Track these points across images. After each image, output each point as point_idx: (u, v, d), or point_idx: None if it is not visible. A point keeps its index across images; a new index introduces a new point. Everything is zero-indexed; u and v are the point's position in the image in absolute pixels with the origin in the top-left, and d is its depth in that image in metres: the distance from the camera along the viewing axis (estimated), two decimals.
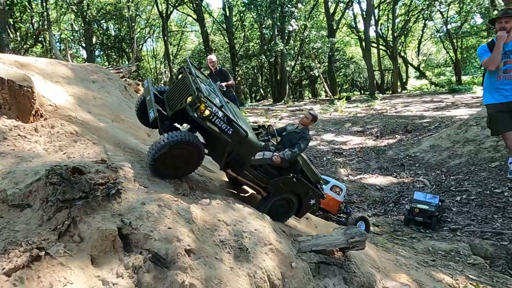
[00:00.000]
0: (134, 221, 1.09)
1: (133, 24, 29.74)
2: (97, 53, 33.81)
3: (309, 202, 2.70)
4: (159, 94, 2.26)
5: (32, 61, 2.22)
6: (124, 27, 32.99)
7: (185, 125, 2.22)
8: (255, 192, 2.57)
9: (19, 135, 1.37)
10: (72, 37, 32.49)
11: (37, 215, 1.03)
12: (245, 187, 2.67)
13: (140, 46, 37.84)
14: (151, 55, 41.71)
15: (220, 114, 2.06)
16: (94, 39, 30.66)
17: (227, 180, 2.80)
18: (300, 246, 1.50)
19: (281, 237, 1.48)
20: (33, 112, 1.53)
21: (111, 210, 1.10)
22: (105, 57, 35.10)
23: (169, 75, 34.57)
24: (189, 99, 1.97)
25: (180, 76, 2.31)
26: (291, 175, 2.57)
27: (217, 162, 2.18)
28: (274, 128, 2.88)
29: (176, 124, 2.16)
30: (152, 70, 41.30)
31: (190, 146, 1.84)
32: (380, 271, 1.86)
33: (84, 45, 32.10)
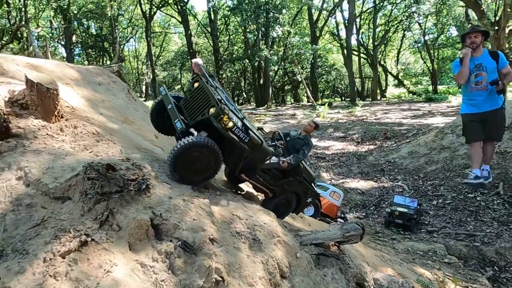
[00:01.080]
0: (164, 213, 1.22)
1: (116, 24, 29.32)
2: (76, 51, 33.05)
3: (306, 200, 2.92)
4: (175, 101, 2.34)
5: (41, 63, 2.28)
6: (106, 26, 32.42)
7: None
8: (254, 192, 2.75)
9: (47, 134, 1.46)
10: (51, 34, 31.57)
11: (78, 206, 1.15)
12: (242, 186, 2.82)
13: (122, 46, 37.19)
14: (133, 56, 41.11)
15: (240, 124, 2.20)
16: (74, 38, 29.99)
17: (226, 179, 2.93)
18: (301, 240, 1.66)
19: (286, 231, 1.63)
20: (56, 113, 1.63)
21: (142, 203, 1.23)
22: (84, 56, 34.31)
23: (151, 76, 34.18)
24: (212, 110, 2.08)
25: (196, 84, 2.37)
26: (295, 177, 2.77)
27: (231, 168, 2.31)
28: (281, 133, 3.07)
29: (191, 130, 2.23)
30: (134, 71, 40.72)
31: (206, 149, 1.92)
32: (369, 264, 2.04)
33: (63, 43, 31.24)
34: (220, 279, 1.14)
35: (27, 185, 1.21)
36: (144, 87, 40.16)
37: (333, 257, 1.70)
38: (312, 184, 3.01)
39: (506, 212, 5.66)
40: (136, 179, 1.25)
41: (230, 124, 2.08)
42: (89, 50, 32.63)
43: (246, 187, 2.73)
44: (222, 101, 2.17)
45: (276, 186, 2.66)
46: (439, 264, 4.11)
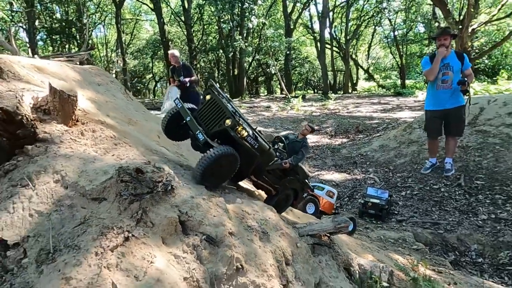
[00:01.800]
0: (189, 211, 1.38)
1: (84, 9, 28.06)
2: (39, 37, 31.32)
3: (303, 195, 3.36)
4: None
5: (45, 64, 2.31)
6: (73, 11, 30.89)
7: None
8: (253, 189, 2.99)
9: (71, 138, 1.57)
10: (11, 17, 29.62)
11: (114, 206, 1.28)
12: (241, 184, 3.01)
13: (90, 32, 35.62)
14: (102, 43, 39.57)
15: (251, 133, 2.48)
16: (37, 22, 28.40)
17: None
18: (299, 231, 1.88)
19: (287, 224, 1.84)
20: (73, 117, 1.74)
21: (169, 202, 1.38)
22: (49, 42, 32.56)
23: (121, 64, 33.11)
24: (228, 121, 2.34)
25: (208, 96, 2.64)
26: (294, 176, 3.11)
27: (244, 171, 2.52)
28: (282, 137, 3.45)
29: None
30: (103, 59, 39.28)
31: (232, 157, 2.19)
32: (353, 251, 2.29)
33: (25, 27, 29.41)
34: (240, 266, 1.33)
35: (65, 187, 1.33)
36: (114, 76, 38.85)
37: (326, 246, 1.93)
38: (306, 180, 3.35)
39: (466, 202, 6.19)
40: (162, 181, 1.41)
41: (245, 133, 2.36)
42: (55, 36, 30.96)
43: (245, 184, 2.93)
44: (236, 112, 2.44)
45: (279, 184, 2.95)
46: (408, 251, 4.50)
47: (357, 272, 2.04)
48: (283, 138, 3.38)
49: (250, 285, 1.31)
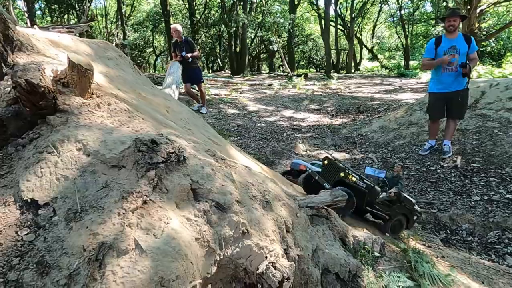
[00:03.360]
0: (200, 180, 1.50)
1: None
2: (37, 6, 30.67)
3: (413, 219, 4.14)
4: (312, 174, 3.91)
5: (57, 38, 2.37)
6: None
7: None
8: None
9: (88, 110, 1.67)
10: None
11: (132, 174, 1.40)
12: (240, 159, 3.25)
13: (90, 3, 34.89)
14: (101, 14, 38.82)
15: (358, 178, 3.61)
16: None
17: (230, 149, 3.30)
18: (299, 203, 2.01)
19: (288, 196, 1.98)
20: (89, 90, 1.83)
21: (182, 172, 1.50)
22: (47, 12, 31.94)
23: (121, 37, 32.64)
24: (342, 174, 3.53)
25: (325, 161, 3.91)
26: (400, 203, 3.94)
27: (358, 204, 3.59)
28: (384, 179, 4.36)
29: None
30: (102, 30, 38.64)
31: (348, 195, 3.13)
32: (349, 224, 2.45)
33: None
34: (246, 231, 1.47)
35: (87, 155, 1.44)
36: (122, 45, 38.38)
37: (323, 217, 2.07)
38: (415, 206, 4.14)
39: (461, 184, 6.36)
40: (175, 152, 1.52)
41: (354, 179, 3.52)
42: (53, 5, 30.31)
43: (244, 157, 3.14)
44: (346, 168, 3.62)
45: (390, 211, 3.87)
46: None
47: (352, 242, 2.20)
48: (385, 179, 4.33)
49: (254, 247, 1.45)
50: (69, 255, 1.16)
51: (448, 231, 5.35)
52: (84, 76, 1.72)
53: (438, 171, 7.09)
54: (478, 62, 6.95)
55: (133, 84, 2.64)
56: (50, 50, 2.07)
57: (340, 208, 2.86)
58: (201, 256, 1.33)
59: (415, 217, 4.22)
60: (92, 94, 1.85)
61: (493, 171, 6.39)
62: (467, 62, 6.23)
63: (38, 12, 31.44)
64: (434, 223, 5.53)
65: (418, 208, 4.28)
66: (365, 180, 3.68)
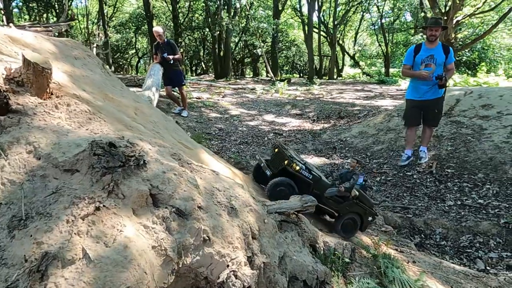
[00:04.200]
0: (160, 185, 1.44)
1: None
2: (15, 3, 29.80)
3: (368, 220, 3.97)
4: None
5: (19, 35, 2.26)
6: None
7: None
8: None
9: (44, 111, 1.58)
10: None
11: (86, 178, 1.33)
12: (216, 167, 3.27)
13: (70, 2, 34.15)
14: (83, 14, 38.09)
15: (304, 167, 3.57)
16: None
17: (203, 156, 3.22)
18: (268, 209, 1.97)
19: (256, 202, 1.93)
20: (47, 90, 1.74)
21: (141, 176, 1.44)
22: (25, 10, 31.10)
23: (103, 38, 32.09)
24: (286, 162, 3.49)
25: (276, 150, 3.89)
26: (353, 201, 3.82)
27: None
28: (337, 173, 4.30)
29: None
30: (83, 31, 37.90)
31: (286, 183, 3.41)
32: (320, 230, 2.42)
33: None
34: (207, 238, 1.41)
35: (38, 158, 1.36)
36: (94, 50, 37.69)
37: (293, 223, 2.04)
38: (372, 207, 4.03)
39: (436, 189, 6.47)
40: (134, 155, 1.46)
41: (297, 167, 3.47)
42: (31, 3, 29.50)
43: (216, 161, 3.10)
44: (291, 156, 3.59)
45: (340, 208, 3.77)
46: (377, 232, 4.73)
47: (322, 248, 2.17)
48: (338, 174, 4.25)
49: (215, 255, 1.40)
50: (8, 266, 1.07)
51: (422, 235, 5.43)
52: (41, 75, 1.63)
53: (415, 176, 7.21)
54: (454, 72, 7.09)
55: (100, 85, 2.55)
56: (8, 47, 1.97)
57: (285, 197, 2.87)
58: (158, 265, 1.26)
59: (370, 218, 4.04)
60: (52, 94, 1.77)
61: (466, 177, 6.54)
62: (444, 73, 6.36)
63: (16, 10, 30.55)
64: (409, 227, 5.61)
65: (375, 210, 4.13)
66: (312, 171, 3.60)
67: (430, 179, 6.94)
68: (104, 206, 1.27)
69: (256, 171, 4.18)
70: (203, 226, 1.41)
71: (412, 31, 29.52)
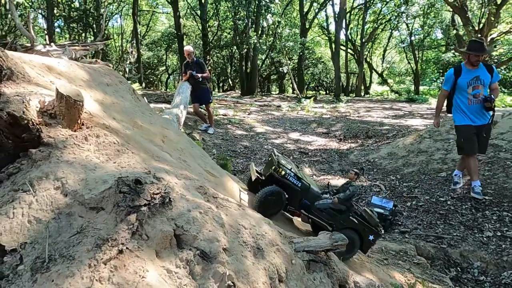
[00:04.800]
0: (185, 225, 1.39)
1: None
2: (57, 24, 31.71)
3: (368, 238, 3.60)
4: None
5: (55, 63, 2.33)
6: (90, 0, 31.27)
7: None
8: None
9: (74, 143, 1.59)
10: (30, 3, 30.00)
11: (111, 217, 1.30)
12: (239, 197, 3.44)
13: (107, 22, 35.93)
14: (118, 33, 39.92)
15: (292, 173, 3.39)
16: (55, 10, 28.71)
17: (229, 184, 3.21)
18: (295, 247, 1.88)
19: (283, 239, 1.84)
20: (78, 121, 1.76)
21: (166, 215, 1.39)
22: (66, 30, 33.02)
23: (136, 55, 33.45)
24: (273, 167, 3.37)
25: (270, 158, 3.75)
26: (349, 214, 3.55)
27: (293, 205, 3.46)
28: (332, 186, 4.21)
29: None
30: (118, 49, 39.64)
31: (276, 192, 3.25)
32: (351, 269, 2.29)
33: (44, 14, 29.75)
34: (232, 284, 1.34)
35: (65, 195, 1.35)
36: (128, 66, 39.27)
37: (322, 263, 1.93)
38: (377, 226, 3.64)
39: (472, 217, 6.10)
40: (160, 193, 1.42)
41: (283, 172, 3.32)
42: (72, 24, 31.36)
43: (243, 192, 3.14)
44: (280, 163, 3.40)
45: (333, 221, 3.50)
46: (409, 264, 4.46)
47: None
48: (331, 184, 4.21)
49: None
50: None
51: (458, 268, 5.08)
52: (73, 107, 1.65)
53: (448, 202, 6.84)
54: (499, 91, 6.64)
55: (130, 112, 2.57)
56: (44, 78, 2.02)
57: (274, 205, 3.13)
58: None
59: (371, 237, 3.61)
60: (83, 125, 1.78)
61: (506, 205, 6.12)
62: (491, 95, 6.00)
63: (58, 30, 32.50)
64: (444, 259, 5.27)
65: (379, 229, 3.69)
66: (302, 180, 3.44)
67: (466, 206, 6.56)
68: (127, 248, 1.23)
69: (249, 181, 3.99)
70: (228, 271, 1.34)
71: (443, 48, 28.80)
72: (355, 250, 3.51)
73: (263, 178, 3.53)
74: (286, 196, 3.35)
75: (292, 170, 3.44)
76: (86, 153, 1.58)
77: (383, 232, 3.94)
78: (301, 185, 3.37)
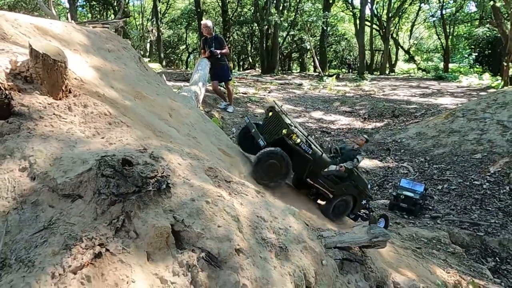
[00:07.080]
0: (187, 219, 1.09)
1: None
2: (80, 2, 31.81)
3: (361, 202, 3.51)
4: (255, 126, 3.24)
5: (47, 24, 2.04)
6: None
7: None
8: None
9: (54, 113, 1.30)
10: None
11: (90, 208, 1.01)
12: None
13: (127, 0, 35.73)
14: (138, 11, 39.65)
15: (304, 140, 3.02)
16: None
17: (243, 164, 2.86)
18: (325, 242, 1.55)
19: (311, 233, 1.52)
20: (63, 88, 1.45)
21: (162, 206, 1.09)
22: (88, 8, 33.15)
23: (156, 34, 33.25)
24: (284, 131, 2.93)
25: (270, 113, 3.24)
26: (351, 182, 3.35)
27: (299, 173, 3.12)
28: (337, 147, 3.71)
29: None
30: (139, 27, 39.46)
31: (279, 157, 2.84)
32: (388, 265, 1.96)
33: None
34: None
35: (32, 178, 1.06)
36: (148, 45, 39.13)
37: (357, 262, 1.60)
38: (366, 189, 3.56)
39: (511, 203, 5.60)
40: (155, 176, 1.11)
41: (298, 140, 2.92)
42: (93, 2, 31.38)
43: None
44: (290, 124, 3.01)
45: (335, 189, 3.27)
46: (444, 254, 4.08)
47: None
48: (338, 148, 3.69)
49: None
50: None
51: (497, 258, 4.65)
52: (54, 70, 1.33)
53: (484, 186, 6.33)
54: None
55: (133, 81, 2.26)
56: (30, 39, 1.73)
57: (275, 173, 2.76)
58: None
59: (364, 201, 3.57)
60: (69, 92, 1.47)
61: None
62: None
63: (80, 9, 32.65)
64: (481, 248, 4.84)
65: (369, 192, 3.72)
66: (313, 146, 3.06)
67: (504, 190, 6.05)
68: (107, 250, 0.93)
69: (242, 136, 3.45)
70: (242, 279, 1.02)
71: (477, 22, 26.96)
72: (346, 213, 3.59)
73: (265, 140, 3.04)
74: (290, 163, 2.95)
75: (304, 136, 3.08)
76: (68, 125, 1.28)
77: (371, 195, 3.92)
78: (312, 152, 2.99)
